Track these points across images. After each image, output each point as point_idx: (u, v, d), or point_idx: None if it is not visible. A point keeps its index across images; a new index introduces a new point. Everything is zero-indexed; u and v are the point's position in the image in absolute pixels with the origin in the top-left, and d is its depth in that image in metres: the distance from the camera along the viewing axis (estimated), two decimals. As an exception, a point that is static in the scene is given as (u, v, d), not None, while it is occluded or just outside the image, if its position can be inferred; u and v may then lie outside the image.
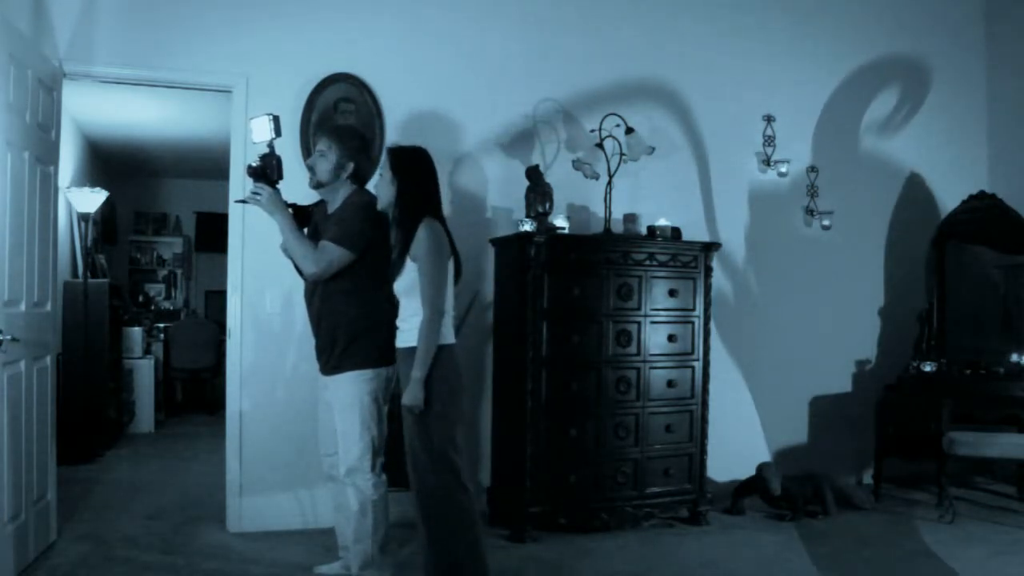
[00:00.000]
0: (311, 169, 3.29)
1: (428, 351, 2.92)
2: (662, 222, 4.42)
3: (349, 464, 3.18)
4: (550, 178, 4.43)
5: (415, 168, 3.09)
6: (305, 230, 3.29)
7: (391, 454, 3.36)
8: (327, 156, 3.25)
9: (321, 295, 3.24)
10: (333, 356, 3.22)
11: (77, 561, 3.58)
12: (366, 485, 3.17)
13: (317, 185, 3.30)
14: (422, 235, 2.96)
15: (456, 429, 3.01)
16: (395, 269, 3.02)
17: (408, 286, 3.00)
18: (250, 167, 3.23)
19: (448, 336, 3.01)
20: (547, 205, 4.32)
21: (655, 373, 4.30)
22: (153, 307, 9.28)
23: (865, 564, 3.84)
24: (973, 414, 4.77)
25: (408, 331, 3.01)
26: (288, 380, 4.18)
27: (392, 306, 3.17)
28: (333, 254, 3.13)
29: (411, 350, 2.96)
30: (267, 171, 3.21)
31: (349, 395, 3.18)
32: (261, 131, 3.21)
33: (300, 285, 3.39)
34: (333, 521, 3.49)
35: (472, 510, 3.00)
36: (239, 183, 3.94)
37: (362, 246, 3.15)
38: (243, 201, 3.33)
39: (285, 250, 3.31)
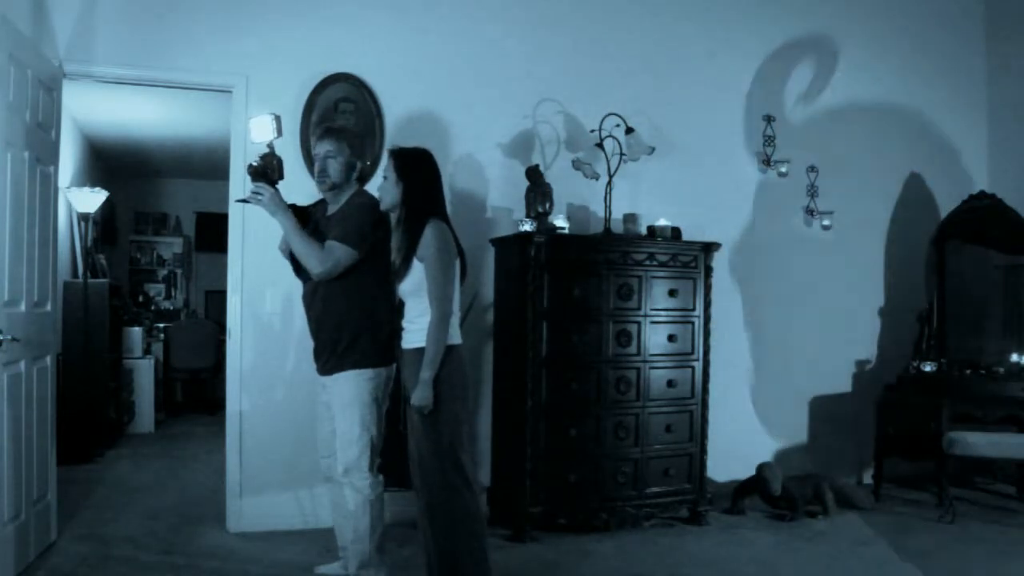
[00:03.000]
0: (322, 173, 3.23)
1: (438, 352, 2.91)
2: (662, 222, 4.42)
3: (347, 463, 3.17)
4: (550, 178, 4.43)
5: (420, 170, 3.07)
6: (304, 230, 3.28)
7: (390, 454, 3.36)
8: (338, 158, 3.22)
9: (323, 296, 3.22)
10: (334, 355, 3.21)
11: (77, 561, 3.58)
12: (363, 485, 3.17)
13: (332, 187, 3.25)
14: (429, 235, 2.95)
15: (463, 429, 3.02)
16: (400, 270, 3.01)
17: (415, 287, 2.99)
18: (251, 166, 3.20)
19: (455, 336, 3.01)
20: (547, 205, 4.32)
21: (655, 373, 4.30)
22: (153, 307, 9.27)
23: (865, 564, 3.84)
24: (973, 414, 4.77)
25: (415, 332, 3.00)
26: (288, 380, 4.18)
27: (392, 306, 3.17)
28: (340, 253, 3.12)
29: (418, 351, 2.95)
30: (268, 171, 3.18)
31: (349, 394, 3.18)
32: (262, 131, 3.19)
33: (300, 285, 3.38)
34: (332, 521, 3.49)
35: (477, 511, 3.00)
36: (239, 183, 3.94)
37: (367, 247, 3.15)
38: (244, 200, 3.30)
39: (283, 250, 3.30)
